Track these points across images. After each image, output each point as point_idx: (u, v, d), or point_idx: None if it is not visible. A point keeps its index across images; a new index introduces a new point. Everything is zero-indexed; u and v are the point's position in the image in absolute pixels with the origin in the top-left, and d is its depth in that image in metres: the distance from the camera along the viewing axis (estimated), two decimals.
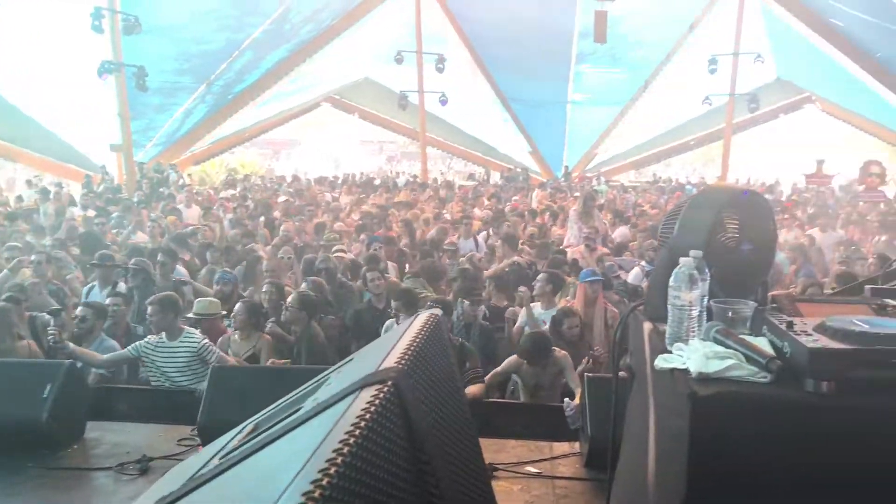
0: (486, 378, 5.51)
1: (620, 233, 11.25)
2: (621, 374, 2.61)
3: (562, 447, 4.34)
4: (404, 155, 46.46)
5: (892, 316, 1.93)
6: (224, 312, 6.35)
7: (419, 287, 7.07)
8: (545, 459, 4.16)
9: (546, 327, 6.07)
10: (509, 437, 4.70)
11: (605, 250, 8.98)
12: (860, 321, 1.70)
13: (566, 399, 4.43)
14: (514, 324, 6.58)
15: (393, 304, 6.13)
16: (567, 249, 9.40)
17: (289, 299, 6.13)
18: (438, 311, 2.15)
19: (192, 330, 5.50)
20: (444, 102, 23.00)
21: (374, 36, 23.69)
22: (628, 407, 2.43)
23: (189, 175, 23.53)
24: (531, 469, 4.01)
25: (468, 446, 1.97)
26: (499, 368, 5.63)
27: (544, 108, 24.66)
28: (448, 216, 13.07)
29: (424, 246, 9.58)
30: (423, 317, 1.98)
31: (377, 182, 22.25)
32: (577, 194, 15.29)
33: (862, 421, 1.59)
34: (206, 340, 5.39)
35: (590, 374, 4.13)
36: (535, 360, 5.39)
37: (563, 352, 5.44)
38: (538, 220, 12.60)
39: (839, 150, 41.68)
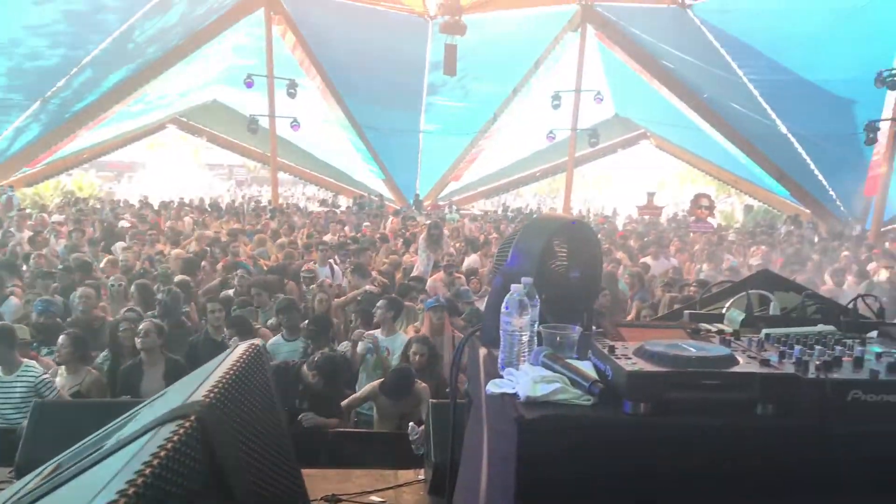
0: (345, 402, 5.47)
1: (471, 260, 11.47)
2: (461, 399, 2.64)
3: (407, 475, 4.32)
4: (255, 180, 45.50)
5: (705, 339, 2.05)
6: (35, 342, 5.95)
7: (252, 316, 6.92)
8: (389, 488, 4.12)
9: (389, 355, 6.10)
10: (355, 466, 4.64)
11: (460, 276, 9.11)
12: (675, 345, 1.80)
13: (411, 424, 4.43)
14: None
15: (226, 331, 5.95)
16: (425, 277, 9.52)
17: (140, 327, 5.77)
18: (258, 342, 2.09)
19: (31, 363, 5.09)
20: (295, 127, 22.73)
21: (222, 58, 23.12)
22: (466, 432, 2.46)
23: (21, 197, 21.94)
24: (375, 498, 3.96)
25: (288, 478, 1.91)
26: (357, 394, 5.60)
27: (398, 136, 24.88)
28: (299, 242, 12.87)
29: (272, 272, 9.35)
30: (241, 348, 1.92)
31: (224, 207, 21.61)
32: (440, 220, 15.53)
33: (675, 439, 1.67)
34: (47, 375, 5.00)
35: (434, 401, 4.15)
36: (395, 396, 5.40)
37: (424, 384, 5.47)
38: (391, 246, 12.65)
39: (671, 184, 44.74)
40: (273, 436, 1.84)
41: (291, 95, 21.34)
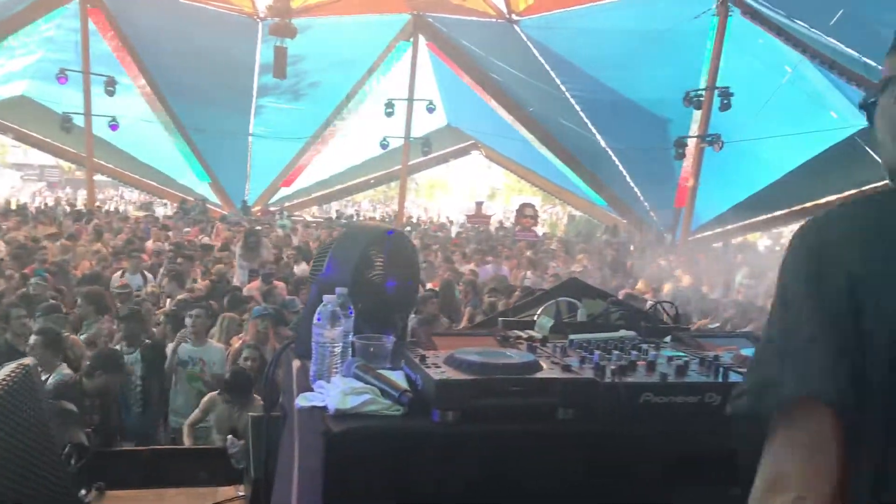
0: (188, 421, 5.21)
1: (302, 269, 11.27)
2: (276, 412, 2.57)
3: (227, 492, 4.17)
4: (69, 182, 42.52)
5: (514, 346, 2.12)
6: None
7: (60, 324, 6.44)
8: None
9: (204, 365, 5.90)
10: (171, 485, 4.43)
11: (282, 285, 8.92)
12: (483, 353, 1.83)
13: (230, 437, 4.29)
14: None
15: (32, 340, 5.52)
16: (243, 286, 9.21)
17: None
18: (29, 361, 1.94)
19: None
20: (114, 127, 21.45)
21: (32, 51, 21.44)
22: (280, 446, 2.40)
23: None
24: None
25: (59, 495, 1.78)
26: (197, 410, 5.35)
27: (225, 139, 24.08)
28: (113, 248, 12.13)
29: (84, 282, 8.73)
30: (7, 368, 1.77)
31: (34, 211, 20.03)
32: (258, 228, 15.11)
33: (482, 445, 1.71)
34: None
35: (253, 414, 4.03)
36: (234, 397, 5.19)
37: (259, 398, 5.33)
38: (215, 254, 12.18)
39: (501, 194, 46.30)
40: (43, 452, 1.70)
41: (110, 93, 20.16)
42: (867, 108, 1.41)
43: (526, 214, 24.01)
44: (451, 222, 30.68)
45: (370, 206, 45.02)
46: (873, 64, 13.21)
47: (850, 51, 13.69)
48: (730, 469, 1.40)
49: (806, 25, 14.51)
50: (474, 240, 19.01)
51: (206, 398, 5.37)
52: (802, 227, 1.28)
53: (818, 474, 1.09)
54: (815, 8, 13.75)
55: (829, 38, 14.11)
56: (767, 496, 1.13)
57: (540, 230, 26.19)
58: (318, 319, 1.93)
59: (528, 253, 15.60)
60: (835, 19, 13.02)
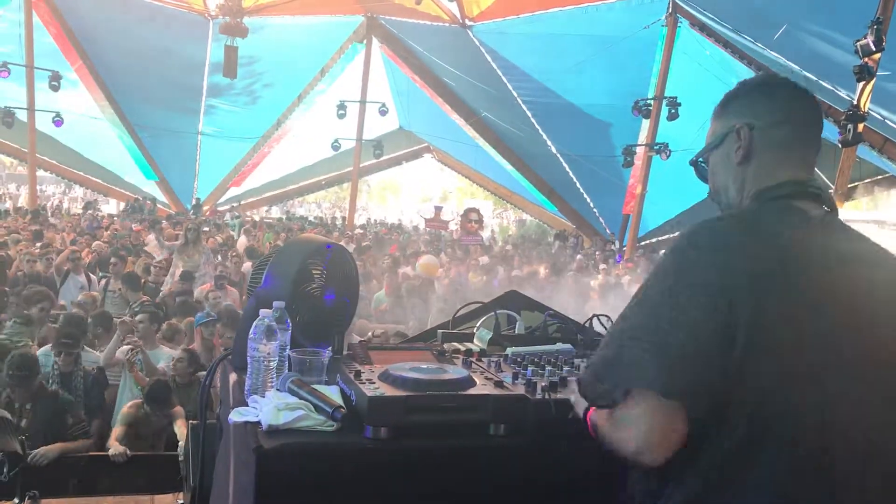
0: (113, 437, 5.12)
1: (248, 267, 11.15)
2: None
3: (165, 500, 4.14)
4: (10, 177, 41.40)
5: (451, 361, 2.14)
6: None
7: None
8: None
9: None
10: (108, 493, 4.37)
11: (234, 290, 8.83)
12: (416, 368, 1.85)
13: (181, 444, 4.27)
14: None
15: None
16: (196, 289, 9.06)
17: None
18: None
19: None
20: (58, 123, 20.95)
21: None
22: (217, 458, 2.38)
23: None
24: None
25: None
26: (117, 425, 5.28)
27: (174, 137, 23.70)
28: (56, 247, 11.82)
29: (17, 285, 8.47)
30: None
31: None
32: (206, 229, 14.90)
33: (414, 462, 1.73)
34: None
35: (194, 421, 3.99)
36: (153, 406, 5.18)
37: (180, 407, 5.29)
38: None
39: (452, 197, 46.44)
40: None
41: (55, 88, 19.65)
42: (697, 166, 1.72)
43: (471, 219, 24.16)
44: (402, 225, 30.63)
45: (329, 207, 44.69)
46: (813, 78, 13.62)
47: (791, 65, 14.08)
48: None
49: (751, 39, 14.88)
50: (430, 244, 19.04)
51: (123, 410, 5.31)
52: (693, 231, 1.46)
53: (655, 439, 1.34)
54: (759, 23, 14.11)
55: (772, 53, 14.49)
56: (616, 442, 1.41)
57: (487, 235, 26.33)
58: (254, 334, 1.93)
59: (485, 258, 15.69)
60: (778, 35, 13.38)
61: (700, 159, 1.71)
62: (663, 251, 1.46)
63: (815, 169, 1.64)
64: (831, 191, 13.36)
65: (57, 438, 4.81)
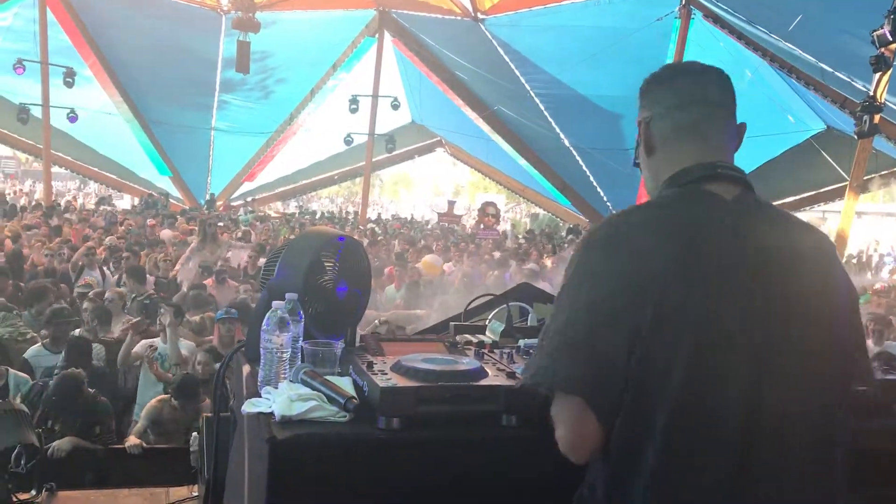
0: (133, 432, 5.20)
1: (260, 264, 11.17)
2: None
3: (180, 492, 4.17)
4: (26, 173, 41.69)
5: (461, 353, 2.14)
6: None
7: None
8: None
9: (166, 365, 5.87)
10: (124, 485, 4.40)
11: (235, 284, 8.83)
12: (429, 359, 1.86)
13: (194, 434, 4.28)
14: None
15: None
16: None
17: None
18: None
19: None
20: (73, 119, 21.08)
21: None
22: (231, 450, 2.40)
23: None
24: None
25: None
26: (141, 420, 5.35)
27: (187, 133, 23.76)
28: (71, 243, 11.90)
29: (36, 277, 8.56)
30: None
31: None
32: (221, 224, 14.95)
33: (426, 452, 1.73)
34: None
35: (208, 415, 4.01)
36: (182, 401, 5.23)
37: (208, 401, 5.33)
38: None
39: (465, 191, 46.39)
40: None
41: (69, 85, 19.77)
42: (638, 166, 1.71)
43: (488, 213, 24.11)
44: (414, 219, 30.62)
45: (343, 202, 44.72)
46: (829, 69, 13.49)
47: (807, 56, 13.95)
48: None
49: (765, 30, 14.73)
50: (442, 238, 19.03)
51: (148, 406, 5.35)
52: (600, 226, 1.49)
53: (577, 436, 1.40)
54: (774, 14, 13.96)
55: (787, 44, 14.35)
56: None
57: (502, 229, 26.29)
58: (267, 325, 1.94)
59: (497, 253, 15.67)
60: (793, 25, 13.24)
61: (636, 160, 1.73)
62: (574, 247, 1.46)
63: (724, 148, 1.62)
64: (847, 184, 13.28)
65: None
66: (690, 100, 1.58)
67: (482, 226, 22.97)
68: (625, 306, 1.34)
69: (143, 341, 6.11)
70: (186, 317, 6.98)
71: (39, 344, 6.04)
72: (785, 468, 1.37)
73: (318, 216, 27.34)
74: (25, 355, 5.86)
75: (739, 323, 1.35)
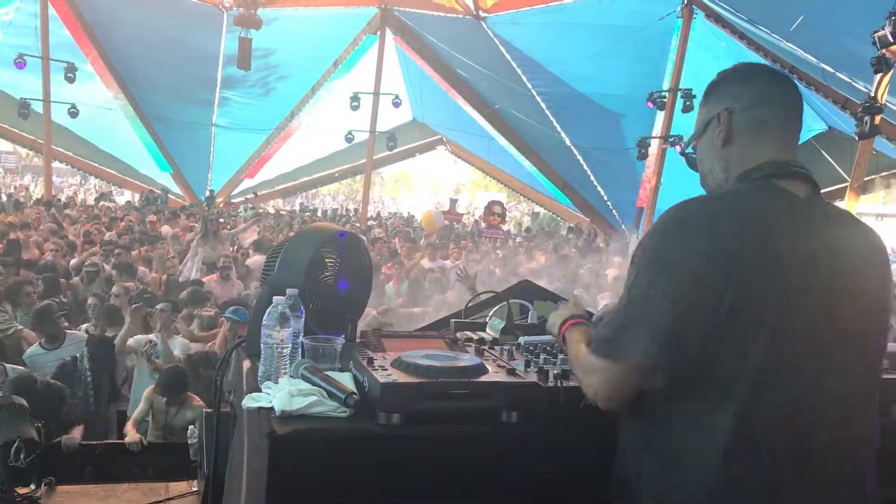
0: (134, 416, 5.24)
1: (255, 261, 11.14)
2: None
3: (179, 487, 4.16)
4: (27, 168, 41.67)
5: (462, 349, 2.14)
6: None
7: None
8: (159, 502, 3.95)
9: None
10: (123, 480, 4.40)
11: (239, 281, 8.84)
12: (429, 356, 1.86)
13: (191, 427, 4.29)
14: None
15: None
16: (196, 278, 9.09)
17: None
18: None
19: None
20: (74, 114, 21.09)
21: None
22: (231, 444, 2.40)
23: None
24: None
25: None
26: (142, 402, 5.34)
27: (188, 129, 23.76)
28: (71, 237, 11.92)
29: (42, 271, 8.56)
30: None
31: None
32: (221, 220, 14.92)
33: (426, 448, 1.73)
34: None
35: (208, 410, 4.02)
36: (169, 395, 5.23)
37: (201, 402, 5.31)
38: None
39: (466, 189, 46.39)
40: None
41: (70, 80, 19.75)
42: (687, 156, 1.82)
43: (494, 212, 24.04)
44: (414, 217, 30.59)
45: (343, 199, 44.71)
46: (830, 70, 13.48)
47: (808, 56, 13.94)
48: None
49: (767, 31, 14.72)
50: (444, 236, 19.00)
51: (147, 390, 5.37)
52: (677, 211, 1.54)
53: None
54: (775, 14, 13.94)
55: (788, 44, 14.34)
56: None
57: (506, 228, 26.26)
58: (268, 321, 1.94)
59: (500, 251, 15.66)
60: (794, 26, 13.23)
61: (689, 149, 1.81)
62: (648, 230, 1.55)
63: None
64: (847, 185, 13.28)
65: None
66: (773, 99, 1.66)
67: (486, 224, 22.92)
68: (705, 288, 1.43)
69: (140, 336, 6.11)
70: (197, 311, 7.02)
71: (37, 344, 6.03)
72: (841, 452, 1.49)
73: (318, 213, 27.32)
74: (24, 357, 5.87)
75: (810, 318, 1.46)
